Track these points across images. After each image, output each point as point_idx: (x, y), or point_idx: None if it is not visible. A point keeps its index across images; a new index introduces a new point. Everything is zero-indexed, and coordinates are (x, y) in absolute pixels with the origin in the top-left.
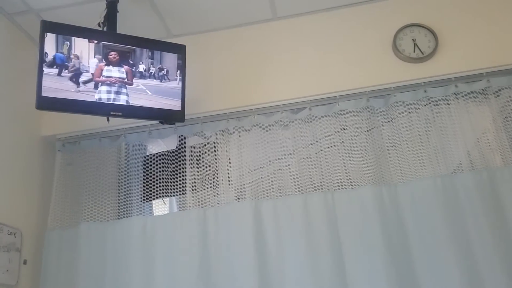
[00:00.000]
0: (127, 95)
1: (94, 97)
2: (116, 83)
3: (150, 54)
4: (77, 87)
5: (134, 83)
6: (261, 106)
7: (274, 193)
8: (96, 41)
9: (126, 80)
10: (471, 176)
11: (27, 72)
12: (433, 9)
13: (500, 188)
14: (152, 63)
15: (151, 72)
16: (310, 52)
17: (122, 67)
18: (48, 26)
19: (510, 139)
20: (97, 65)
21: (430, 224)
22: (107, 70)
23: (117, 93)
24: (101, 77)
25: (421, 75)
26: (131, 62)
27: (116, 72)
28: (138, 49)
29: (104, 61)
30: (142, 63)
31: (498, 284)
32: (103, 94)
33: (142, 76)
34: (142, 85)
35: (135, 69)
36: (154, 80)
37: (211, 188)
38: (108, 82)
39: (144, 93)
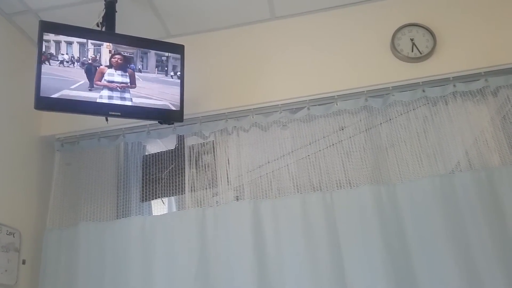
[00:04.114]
0: (131, 99)
1: (96, 99)
2: (119, 89)
3: (149, 53)
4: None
5: (137, 84)
6: (260, 106)
7: (273, 192)
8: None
9: (129, 84)
10: (469, 176)
11: (26, 72)
12: (431, 9)
13: (498, 188)
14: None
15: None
16: (308, 52)
17: (126, 71)
18: (46, 26)
19: (508, 139)
20: (97, 68)
21: (428, 223)
22: (109, 74)
23: (121, 98)
24: (103, 81)
25: (419, 75)
26: (134, 64)
27: (118, 77)
28: (139, 50)
29: (107, 64)
30: (143, 62)
31: (497, 283)
32: (104, 99)
33: (142, 71)
34: (141, 78)
35: (136, 67)
36: (154, 74)
37: (210, 188)
38: (110, 87)
39: (146, 88)
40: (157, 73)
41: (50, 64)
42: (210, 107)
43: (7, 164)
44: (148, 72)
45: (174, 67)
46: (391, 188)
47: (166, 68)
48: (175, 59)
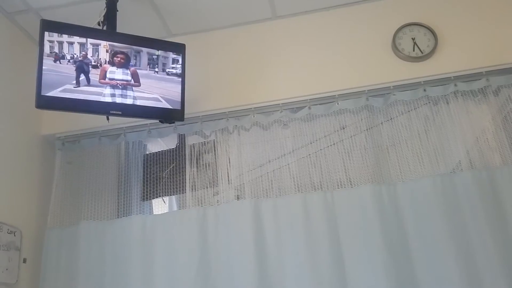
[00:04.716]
0: (133, 97)
1: (100, 97)
2: (120, 86)
3: (150, 52)
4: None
5: (141, 83)
6: (261, 105)
7: (274, 192)
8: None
9: (132, 82)
10: (471, 175)
11: (27, 71)
12: (432, 8)
13: (499, 187)
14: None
15: (153, 65)
16: (309, 51)
17: (128, 69)
18: (47, 25)
19: (509, 138)
20: (100, 66)
21: (429, 223)
22: (111, 72)
23: (122, 96)
24: (106, 79)
25: (421, 74)
26: (135, 62)
27: (119, 74)
28: (140, 49)
29: (108, 62)
30: (136, 59)
31: (497, 283)
32: (107, 98)
33: (143, 68)
34: (143, 77)
35: (138, 66)
36: (156, 72)
37: (211, 187)
38: (112, 84)
39: (146, 84)
40: (149, 69)
41: (60, 63)
42: (211, 106)
43: (8, 163)
44: (141, 69)
45: (164, 65)
46: (392, 188)
47: (157, 65)
48: (164, 57)
